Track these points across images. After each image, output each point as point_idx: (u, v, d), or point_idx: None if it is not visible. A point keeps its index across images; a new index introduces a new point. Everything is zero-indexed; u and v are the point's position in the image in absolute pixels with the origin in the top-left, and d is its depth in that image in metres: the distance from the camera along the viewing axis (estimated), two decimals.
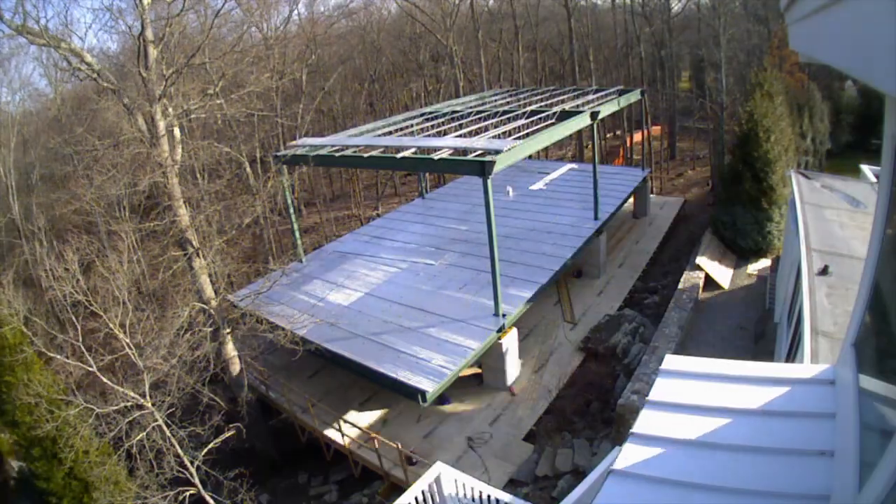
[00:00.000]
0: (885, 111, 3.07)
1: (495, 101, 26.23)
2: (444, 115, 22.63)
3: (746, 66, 33.18)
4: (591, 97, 23.21)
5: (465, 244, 20.42)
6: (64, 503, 14.38)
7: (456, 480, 8.78)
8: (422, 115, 24.06)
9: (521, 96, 26.52)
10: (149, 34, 14.42)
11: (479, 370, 16.42)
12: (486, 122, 19.10)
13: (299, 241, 21.86)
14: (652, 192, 27.95)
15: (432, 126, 21.15)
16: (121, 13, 15.97)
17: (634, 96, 24.46)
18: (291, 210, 21.47)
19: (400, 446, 13.28)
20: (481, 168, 14.09)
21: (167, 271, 14.96)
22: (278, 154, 19.59)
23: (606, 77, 45.52)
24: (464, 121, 20.46)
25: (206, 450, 13.91)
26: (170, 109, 15.00)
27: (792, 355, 9.52)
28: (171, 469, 13.20)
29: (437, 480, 8.66)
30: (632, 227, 25.64)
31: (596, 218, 20.87)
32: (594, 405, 15.10)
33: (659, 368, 4.80)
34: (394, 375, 13.56)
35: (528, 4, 44.53)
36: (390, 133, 21.03)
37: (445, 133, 19.21)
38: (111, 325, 12.98)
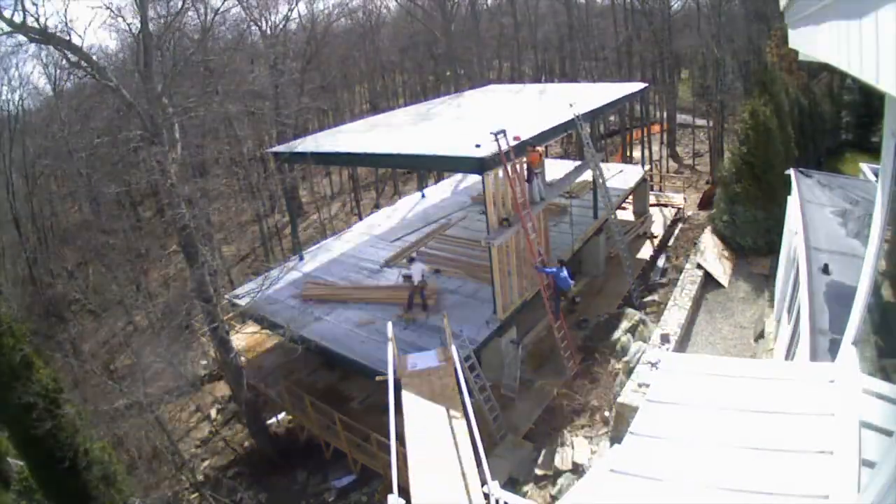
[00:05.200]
0: (884, 110, 3.07)
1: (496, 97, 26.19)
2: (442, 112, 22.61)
3: (746, 65, 33.17)
4: (590, 92, 23.16)
5: (466, 241, 20.39)
6: (63, 502, 14.38)
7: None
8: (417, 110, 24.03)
9: (520, 92, 26.49)
10: (148, 32, 14.40)
11: None
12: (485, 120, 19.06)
13: (299, 239, 21.85)
14: (651, 190, 27.90)
15: (427, 123, 21.10)
16: (120, 11, 15.91)
17: (636, 91, 24.42)
18: (289, 207, 21.46)
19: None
20: (480, 164, 14.07)
21: (166, 270, 14.96)
22: (277, 152, 19.55)
23: (606, 74, 45.48)
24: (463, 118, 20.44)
25: (204, 448, 13.92)
26: (169, 108, 14.98)
27: (791, 354, 9.52)
28: (170, 467, 13.22)
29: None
30: (631, 225, 25.63)
31: (595, 216, 20.86)
32: (593, 403, 15.09)
33: (658, 367, 4.80)
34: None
35: (528, 2, 44.50)
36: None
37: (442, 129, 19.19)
38: (110, 324, 12.99)
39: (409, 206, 25.87)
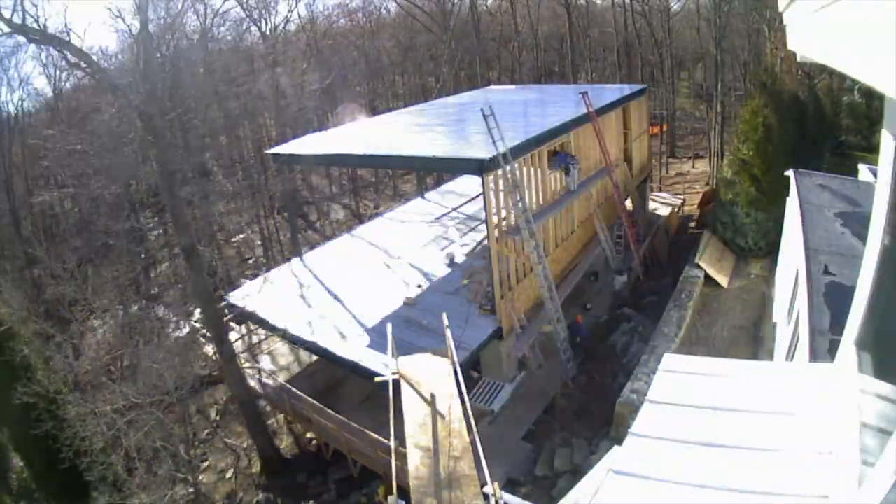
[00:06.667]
0: (883, 111, 3.07)
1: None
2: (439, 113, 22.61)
3: (746, 66, 33.19)
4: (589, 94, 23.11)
5: (465, 243, 20.41)
6: (63, 502, 14.36)
7: None
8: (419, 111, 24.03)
9: (520, 93, 26.49)
10: (148, 33, 14.41)
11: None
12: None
13: (298, 240, 21.86)
14: (651, 192, 27.90)
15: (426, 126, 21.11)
16: (120, 12, 15.92)
17: (637, 93, 24.41)
18: (289, 208, 21.46)
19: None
20: (480, 166, 14.05)
21: (166, 270, 14.96)
22: (277, 153, 19.55)
23: (606, 76, 45.53)
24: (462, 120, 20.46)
25: (204, 449, 13.91)
26: (169, 108, 14.98)
27: (791, 355, 9.52)
28: (169, 468, 13.21)
29: None
30: (631, 226, 25.60)
31: None
32: (593, 404, 15.10)
33: (658, 368, 4.80)
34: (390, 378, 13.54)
35: (529, 4, 44.53)
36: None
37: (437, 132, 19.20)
38: (110, 324, 12.99)
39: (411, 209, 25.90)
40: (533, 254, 14.78)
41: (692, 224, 25.76)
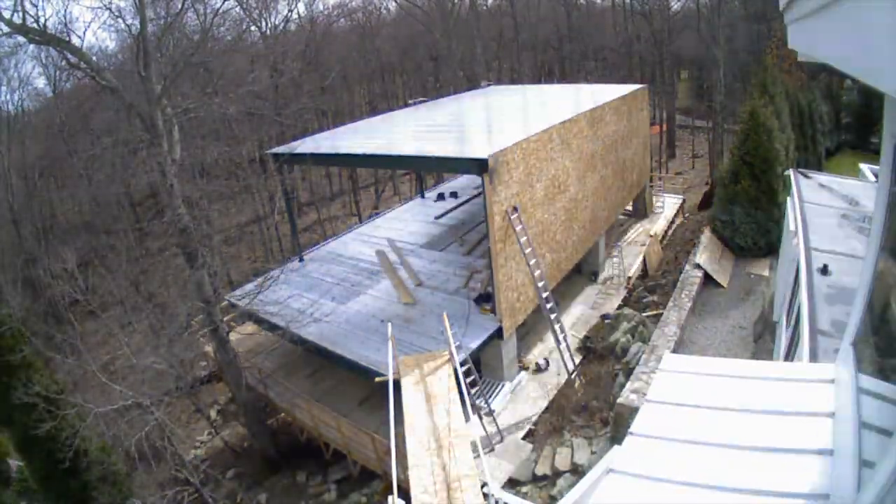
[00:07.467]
0: (884, 110, 3.07)
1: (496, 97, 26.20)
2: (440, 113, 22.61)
3: (746, 65, 33.22)
4: (589, 93, 23.14)
5: (465, 243, 20.40)
6: (63, 503, 14.36)
7: None
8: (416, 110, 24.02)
9: (520, 93, 26.48)
10: (148, 33, 14.39)
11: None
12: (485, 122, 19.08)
13: (298, 240, 21.86)
14: (652, 189, 27.91)
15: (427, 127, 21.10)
16: (120, 12, 15.89)
17: (637, 91, 24.42)
18: (288, 209, 21.45)
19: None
20: (480, 166, 14.05)
21: (166, 270, 14.95)
22: (276, 153, 19.53)
23: (606, 76, 45.56)
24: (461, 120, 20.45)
25: (204, 449, 13.91)
26: (168, 109, 14.97)
27: (791, 354, 9.52)
28: (170, 468, 13.21)
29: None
30: (631, 226, 25.64)
31: None
32: (593, 404, 15.10)
33: (658, 367, 4.80)
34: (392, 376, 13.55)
35: (529, 3, 44.56)
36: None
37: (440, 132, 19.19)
38: (110, 325, 13.00)
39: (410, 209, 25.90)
40: None
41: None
